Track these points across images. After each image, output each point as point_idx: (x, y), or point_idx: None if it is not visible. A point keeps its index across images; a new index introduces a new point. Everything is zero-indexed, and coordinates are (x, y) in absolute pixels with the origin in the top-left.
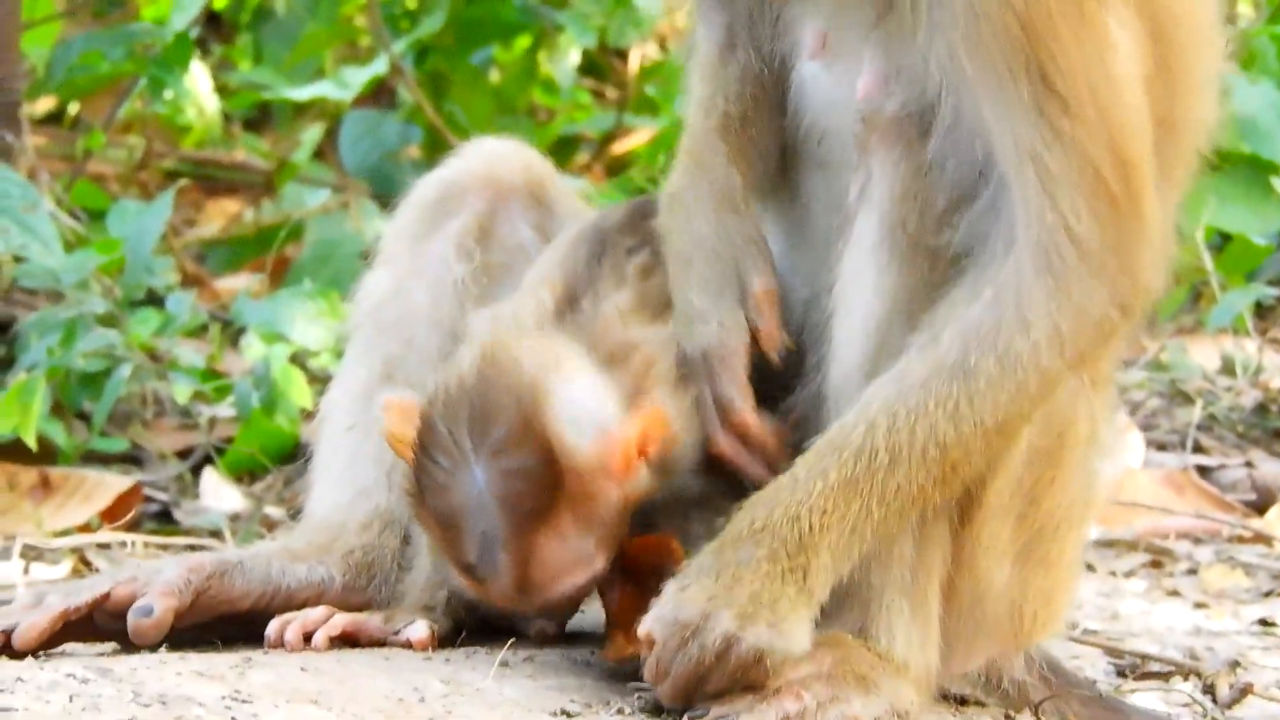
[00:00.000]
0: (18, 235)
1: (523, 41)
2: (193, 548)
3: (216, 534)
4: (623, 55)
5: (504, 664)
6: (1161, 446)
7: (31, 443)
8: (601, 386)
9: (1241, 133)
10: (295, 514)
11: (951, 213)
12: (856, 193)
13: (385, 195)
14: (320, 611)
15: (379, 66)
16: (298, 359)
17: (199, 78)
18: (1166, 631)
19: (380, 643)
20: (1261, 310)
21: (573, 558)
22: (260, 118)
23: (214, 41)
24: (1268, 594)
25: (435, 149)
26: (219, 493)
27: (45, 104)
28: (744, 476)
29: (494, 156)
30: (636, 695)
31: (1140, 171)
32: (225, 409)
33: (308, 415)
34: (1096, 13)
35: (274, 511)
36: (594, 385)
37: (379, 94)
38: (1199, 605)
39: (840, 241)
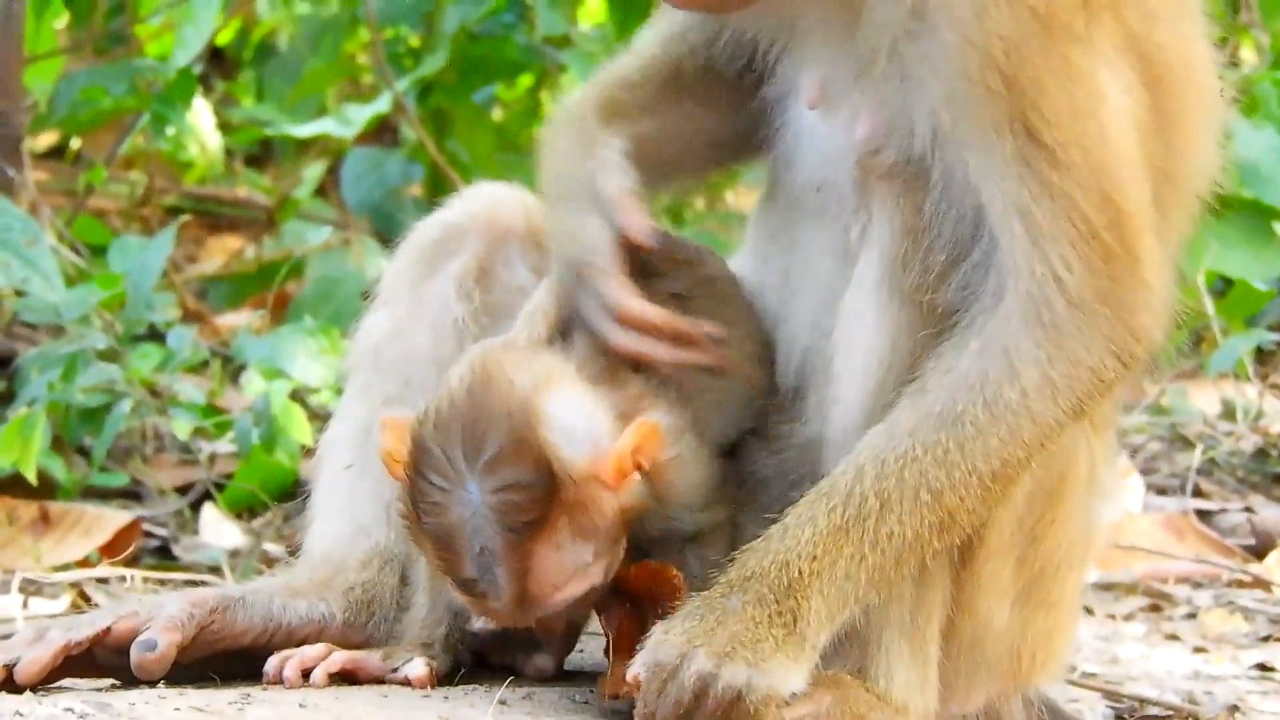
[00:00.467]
0: (19, 269)
1: (525, 80)
2: (192, 583)
3: (215, 570)
4: None
5: (502, 702)
6: (1161, 490)
7: (31, 477)
8: (593, 401)
9: (1243, 178)
10: (294, 551)
11: (950, 267)
12: (858, 234)
13: (387, 233)
14: (319, 648)
15: (381, 104)
16: (298, 396)
17: (201, 114)
18: (1165, 675)
19: (379, 680)
20: (1262, 355)
21: (571, 569)
22: (262, 154)
23: (216, 78)
24: (1266, 639)
25: (437, 187)
26: (218, 529)
27: (47, 139)
28: (662, 368)
29: (494, 200)
30: None
31: (1135, 221)
32: (225, 445)
33: (307, 452)
34: (1084, 62)
35: (273, 548)
36: (586, 399)
37: (381, 131)
38: (1198, 649)
39: (841, 284)
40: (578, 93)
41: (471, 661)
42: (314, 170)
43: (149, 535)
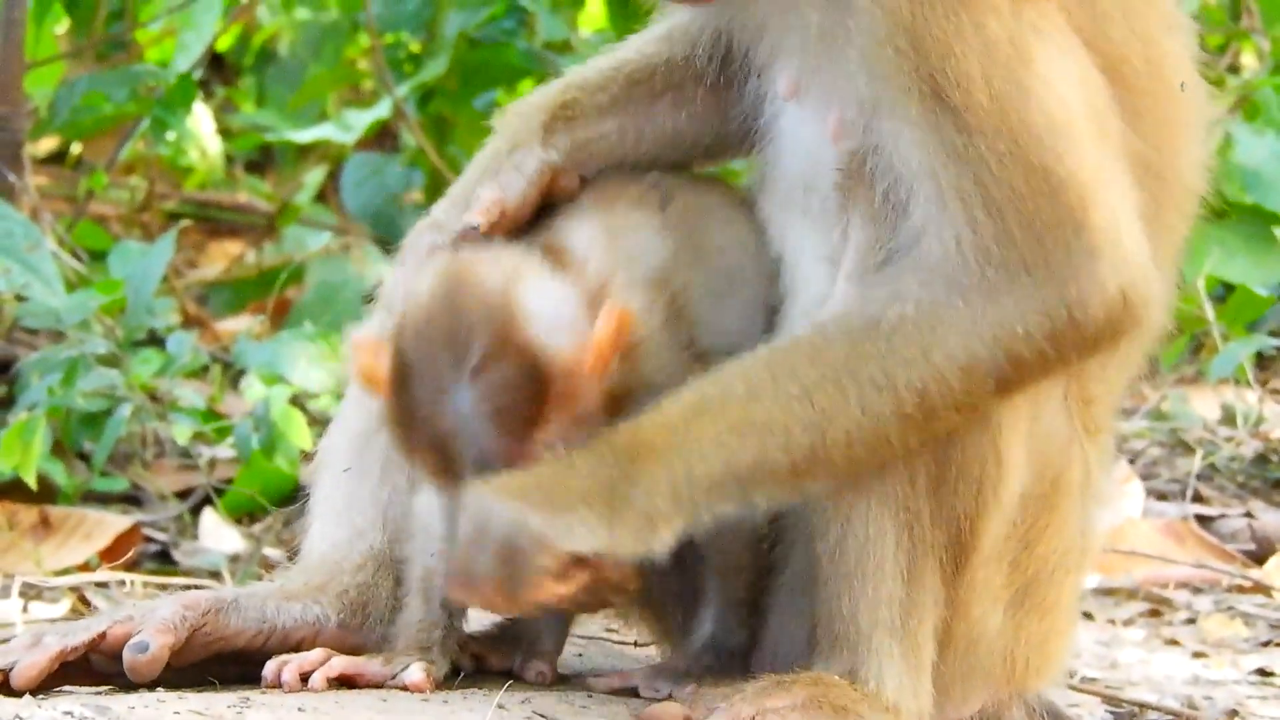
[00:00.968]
0: (20, 275)
1: (526, 86)
2: (191, 588)
3: (216, 575)
4: None
5: (501, 706)
6: (1161, 496)
7: (32, 482)
8: (563, 290)
9: (1244, 183)
10: (294, 555)
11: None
12: (839, 236)
13: (387, 238)
14: (318, 653)
15: (382, 110)
16: (298, 401)
17: (202, 119)
18: (1165, 680)
19: (378, 685)
20: (1262, 361)
21: None
22: (263, 160)
23: (217, 83)
24: (1266, 644)
25: (438, 192)
26: (218, 533)
27: (48, 144)
28: None
29: None
30: None
31: (1077, 189)
32: (225, 450)
33: (307, 457)
34: (1000, 28)
35: (273, 553)
36: (559, 289)
37: (382, 137)
38: (1198, 654)
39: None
40: (533, 93)
41: (470, 666)
42: (314, 176)
43: (149, 540)
